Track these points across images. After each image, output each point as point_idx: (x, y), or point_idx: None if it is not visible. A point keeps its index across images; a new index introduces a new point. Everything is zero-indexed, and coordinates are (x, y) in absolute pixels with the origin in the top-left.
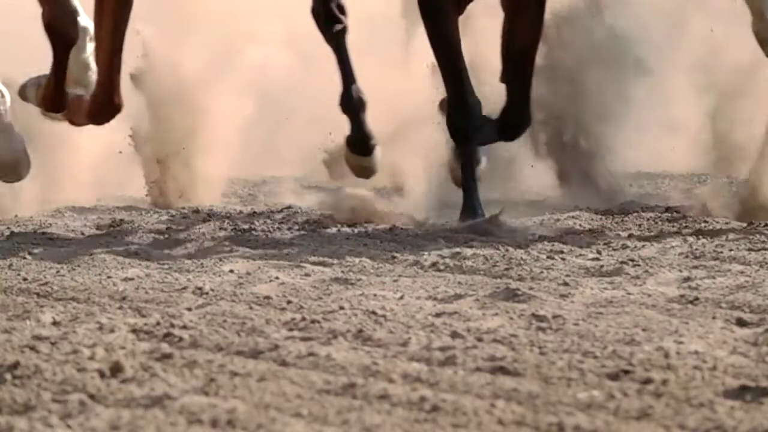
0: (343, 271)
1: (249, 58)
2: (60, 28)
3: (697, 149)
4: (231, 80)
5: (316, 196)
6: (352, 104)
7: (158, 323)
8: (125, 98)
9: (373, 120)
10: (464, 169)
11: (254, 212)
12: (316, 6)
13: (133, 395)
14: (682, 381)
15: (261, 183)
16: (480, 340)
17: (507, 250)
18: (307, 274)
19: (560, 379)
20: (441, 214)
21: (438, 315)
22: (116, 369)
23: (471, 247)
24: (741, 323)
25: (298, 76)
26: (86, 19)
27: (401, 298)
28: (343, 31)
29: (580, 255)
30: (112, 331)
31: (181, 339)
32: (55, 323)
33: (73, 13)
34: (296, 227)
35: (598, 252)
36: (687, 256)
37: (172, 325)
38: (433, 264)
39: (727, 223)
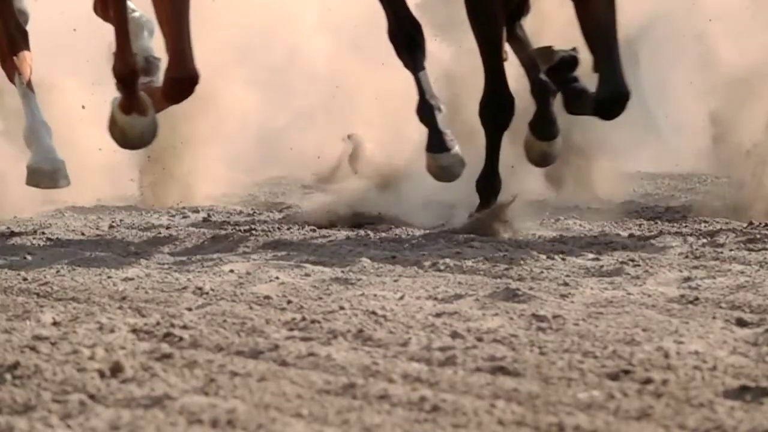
0: (343, 271)
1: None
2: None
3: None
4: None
5: (316, 197)
6: (428, 112)
7: (158, 323)
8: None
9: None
10: (490, 156)
11: (254, 212)
12: (393, 28)
13: (133, 395)
14: (682, 381)
15: (261, 183)
16: (480, 340)
17: (507, 250)
18: (307, 274)
19: (560, 379)
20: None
21: (438, 315)
22: (116, 369)
23: (471, 247)
24: (741, 323)
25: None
26: (137, 10)
27: (401, 298)
28: (423, 54)
29: (580, 255)
30: (112, 331)
31: (181, 339)
32: (55, 323)
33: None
34: (296, 227)
35: (598, 252)
36: (687, 256)
37: (172, 325)
38: (433, 264)
39: (727, 223)
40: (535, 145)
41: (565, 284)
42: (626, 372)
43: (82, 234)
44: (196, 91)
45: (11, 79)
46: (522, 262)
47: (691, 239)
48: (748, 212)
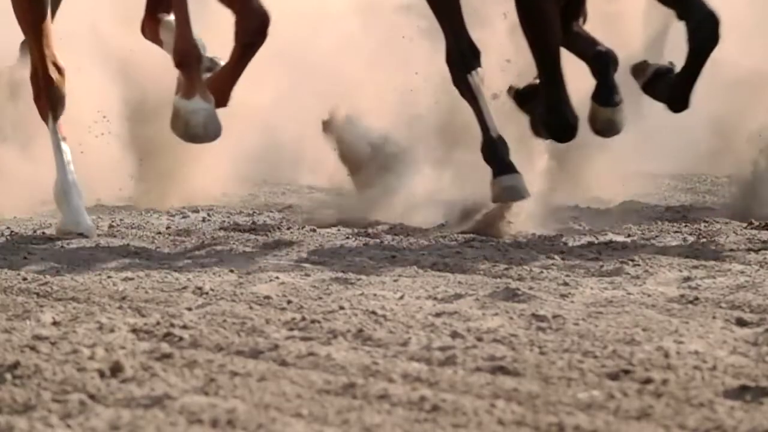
0: (343, 271)
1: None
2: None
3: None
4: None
5: (316, 197)
6: (493, 152)
7: (158, 323)
8: (122, 98)
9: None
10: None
11: (254, 212)
12: (452, 52)
13: (133, 395)
14: (682, 381)
15: (261, 183)
16: (480, 340)
17: (507, 250)
18: (307, 274)
19: (560, 379)
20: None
21: (438, 315)
22: (116, 369)
23: (471, 247)
24: (741, 323)
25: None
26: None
27: (401, 298)
28: (480, 79)
29: (580, 255)
30: (112, 331)
31: (181, 339)
32: (55, 323)
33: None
34: (296, 227)
35: (598, 252)
36: (687, 256)
37: (172, 325)
38: (433, 264)
39: (727, 223)
40: (599, 113)
41: (565, 284)
42: (626, 372)
43: (82, 234)
44: None
45: (44, 120)
46: (522, 262)
47: (691, 239)
48: (748, 212)
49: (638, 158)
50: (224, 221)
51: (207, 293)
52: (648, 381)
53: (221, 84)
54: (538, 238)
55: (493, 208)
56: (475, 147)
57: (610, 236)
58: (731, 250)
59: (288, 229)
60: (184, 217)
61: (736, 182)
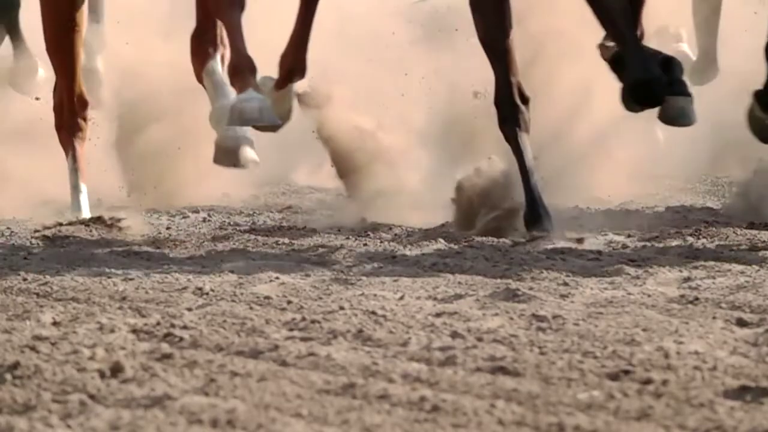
0: (343, 271)
1: None
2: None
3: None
4: None
5: (316, 197)
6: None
7: (158, 323)
8: (122, 98)
9: None
10: None
11: (254, 212)
12: (503, 96)
13: (133, 395)
14: (682, 381)
15: (261, 183)
16: (480, 340)
17: (507, 250)
18: (307, 274)
19: (560, 379)
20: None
21: (438, 315)
22: (116, 369)
23: (471, 247)
24: (741, 323)
25: None
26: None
27: (401, 298)
28: (527, 124)
29: (580, 255)
30: (112, 331)
31: (181, 339)
32: (55, 323)
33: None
34: (296, 227)
35: (598, 252)
36: (687, 256)
37: (172, 325)
38: (433, 264)
39: (727, 224)
40: (671, 101)
41: (565, 284)
42: (626, 372)
43: (83, 234)
44: (196, 90)
45: (66, 152)
46: (522, 262)
47: (691, 239)
48: (748, 212)
49: (639, 159)
50: (224, 222)
51: (207, 293)
52: (648, 381)
53: (293, 50)
54: (538, 239)
55: (497, 211)
56: (476, 147)
57: (610, 236)
58: (731, 250)
59: (288, 229)
60: (184, 218)
61: (737, 182)
